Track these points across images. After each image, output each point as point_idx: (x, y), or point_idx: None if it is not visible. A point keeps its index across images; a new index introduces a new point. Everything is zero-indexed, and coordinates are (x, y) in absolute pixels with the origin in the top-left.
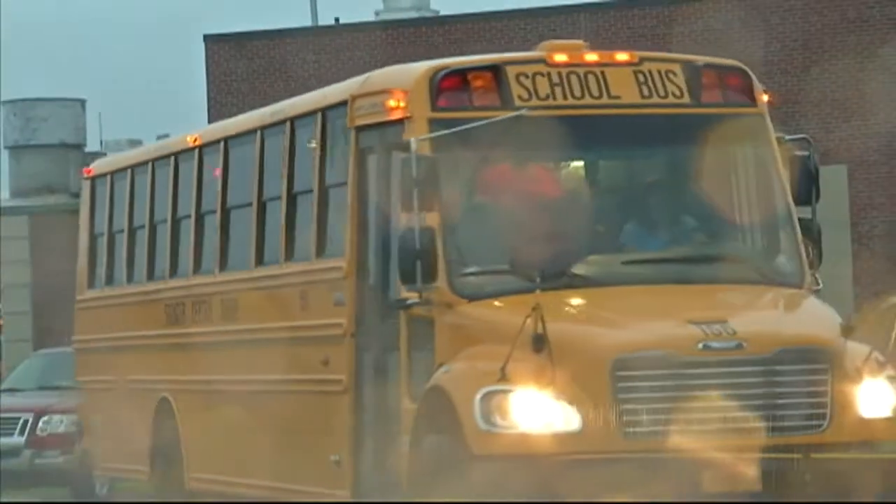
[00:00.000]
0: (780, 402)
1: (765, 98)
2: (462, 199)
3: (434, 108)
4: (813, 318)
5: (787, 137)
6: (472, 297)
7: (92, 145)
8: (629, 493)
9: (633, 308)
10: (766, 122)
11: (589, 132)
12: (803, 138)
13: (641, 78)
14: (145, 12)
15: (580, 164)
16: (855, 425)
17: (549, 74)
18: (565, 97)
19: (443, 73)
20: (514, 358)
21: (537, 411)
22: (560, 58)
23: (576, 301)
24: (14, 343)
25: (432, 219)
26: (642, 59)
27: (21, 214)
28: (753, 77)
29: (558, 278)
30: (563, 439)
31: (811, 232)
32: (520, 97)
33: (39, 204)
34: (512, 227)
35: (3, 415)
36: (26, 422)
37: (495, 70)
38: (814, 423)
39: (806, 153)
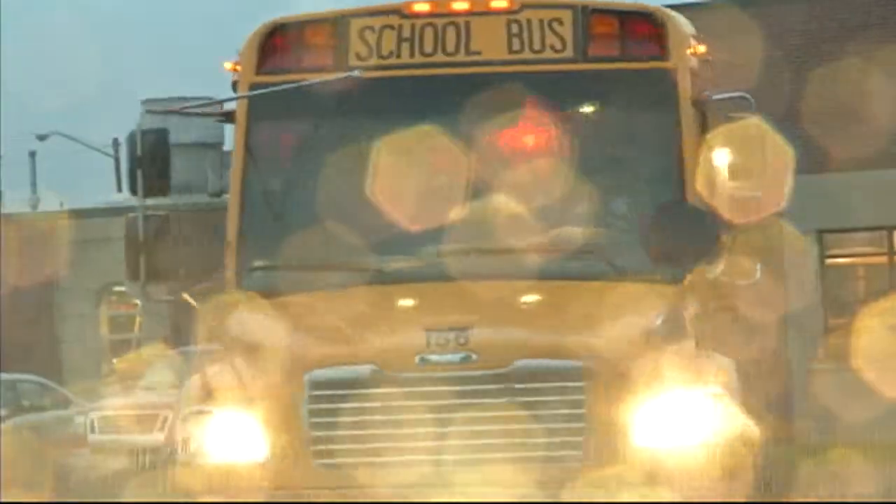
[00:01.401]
0: (519, 427)
1: (691, 50)
2: (268, 178)
3: (258, 70)
4: (605, 321)
5: (717, 96)
6: (266, 294)
7: (229, 144)
8: None
9: (363, 313)
10: (676, 79)
11: (427, 97)
12: (741, 96)
13: (515, 29)
14: None
15: (411, 135)
16: (621, 456)
17: (399, 28)
18: (412, 54)
19: (274, 29)
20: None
21: (218, 437)
22: (421, 7)
23: (300, 302)
24: (151, 341)
25: (233, 202)
26: (524, 7)
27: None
28: (672, 24)
29: (350, 274)
30: (247, 471)
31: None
32: (357, 55)
33: (178, 203)
34: (303, 214)
35: (144, 412)
36: (165, 419)
37: (336, 24)
38: (563, 453)
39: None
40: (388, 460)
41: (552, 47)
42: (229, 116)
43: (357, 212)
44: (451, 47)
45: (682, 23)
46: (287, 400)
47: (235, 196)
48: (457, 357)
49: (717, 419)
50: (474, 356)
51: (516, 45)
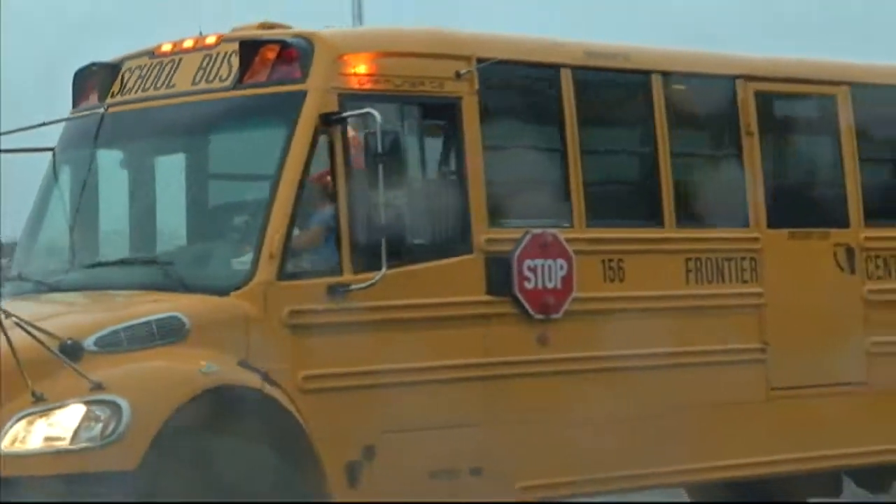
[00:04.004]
0: None
1: (344, 71)
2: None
3: (74, 107)
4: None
5: (347, 113)
6: None
7: None
8: None
9: None
10: (308, 100)
11: (132, 128)
12: (366, 113)
13: (206, 62)
14: None
15: (121, 163)
16: None
17: (142, 67)
18: (138, 91)
19: (81, 72)
20: None
21: None
22: (165, 48)
23: None
24: None
25: None
26: (222, 41)
27: None
28: (320, 49)
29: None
30: None
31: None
32: (112, 94)
33: None
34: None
35: None
36: None
37: (116, 67)
38: None
39: (370, 131)
40: None
41: (220, 78)
42: None
43: (59, 233)
44: (159, 83)
45: (338, 46)
46: None
47: None
48: None
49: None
50: None
51: (198, 77)
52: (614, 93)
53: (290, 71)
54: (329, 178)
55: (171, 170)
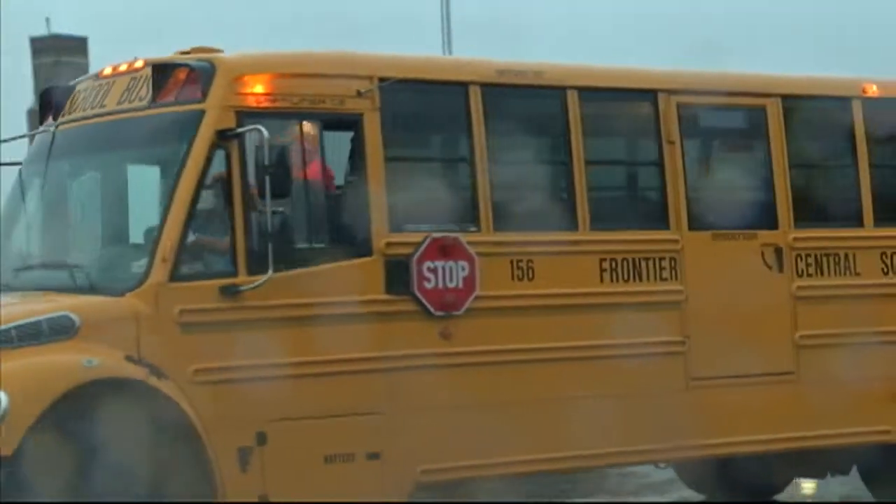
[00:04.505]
0: None
1: (244, 91)
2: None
3: (41, 123)
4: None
5: (240, 130)
6: None
7: None
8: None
9: None
10: (202, 117)
11: (69, 144)
12: (254, 129)
13: (131, 84)
14: None
15: (60, 176)
16: None
17: (87, 89)
18: (81, 110)
19: (43, 93)
20: None
21: None
22: (107, 71)
23: None
24: None
25: None
26: (149, 65)
27: None
28: (221, 70)
29: None
30: None
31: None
32: (65, 113)
33: None
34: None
35: None
36: None
37: (71, 88)
38: None
39: (258, 145)
40: None
41: (139, 97)
42: None
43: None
44: (94, 103)
45: (237, 68)
46: None
47: None
48: None
49: None
50: None
51: (123, 98)
52: (527, 107)
53: (193, 91)
54: (225, 187)
55: (93, 182)
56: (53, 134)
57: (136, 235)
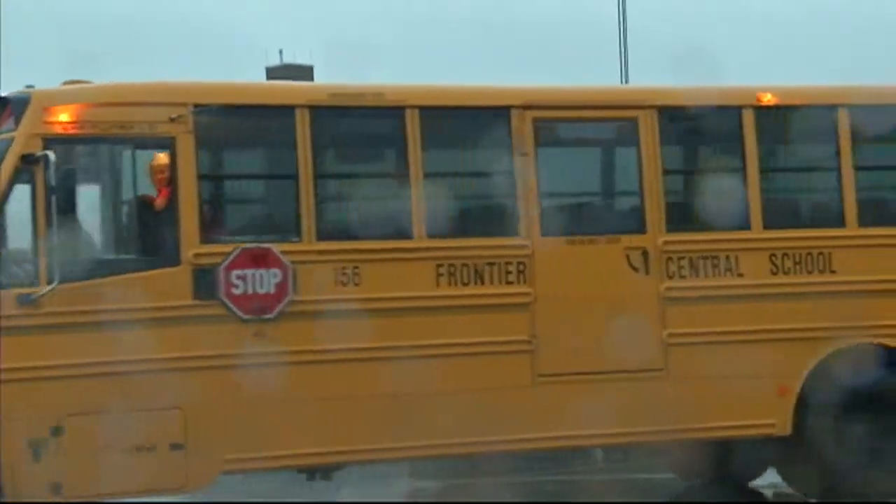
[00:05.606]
0: None
1: (53, 120)
2: None
3: None
4: None
5: (38, 154)
6: None
7: None
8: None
9: None
10: (15, 144)
11: None
12: (43, 154)
13: None
14: None
15: None
16: None
17: None
18: None
19: None
20: None
21: None
22: None
23: None
24: None
25: None
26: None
27: None
28: (33, 103)
29: None
30: None
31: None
32: None
33: None
34: None
35: None
36: None
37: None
38: None
39: (45, 168)
40: None
41: None
42: None
43: None
44: None
45: (47, 99)
46: None
47: None
48: None
49: None
50: None
51: None
52: (362, 126)
53: (12, 121)
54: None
55: None
56: None
57: None
